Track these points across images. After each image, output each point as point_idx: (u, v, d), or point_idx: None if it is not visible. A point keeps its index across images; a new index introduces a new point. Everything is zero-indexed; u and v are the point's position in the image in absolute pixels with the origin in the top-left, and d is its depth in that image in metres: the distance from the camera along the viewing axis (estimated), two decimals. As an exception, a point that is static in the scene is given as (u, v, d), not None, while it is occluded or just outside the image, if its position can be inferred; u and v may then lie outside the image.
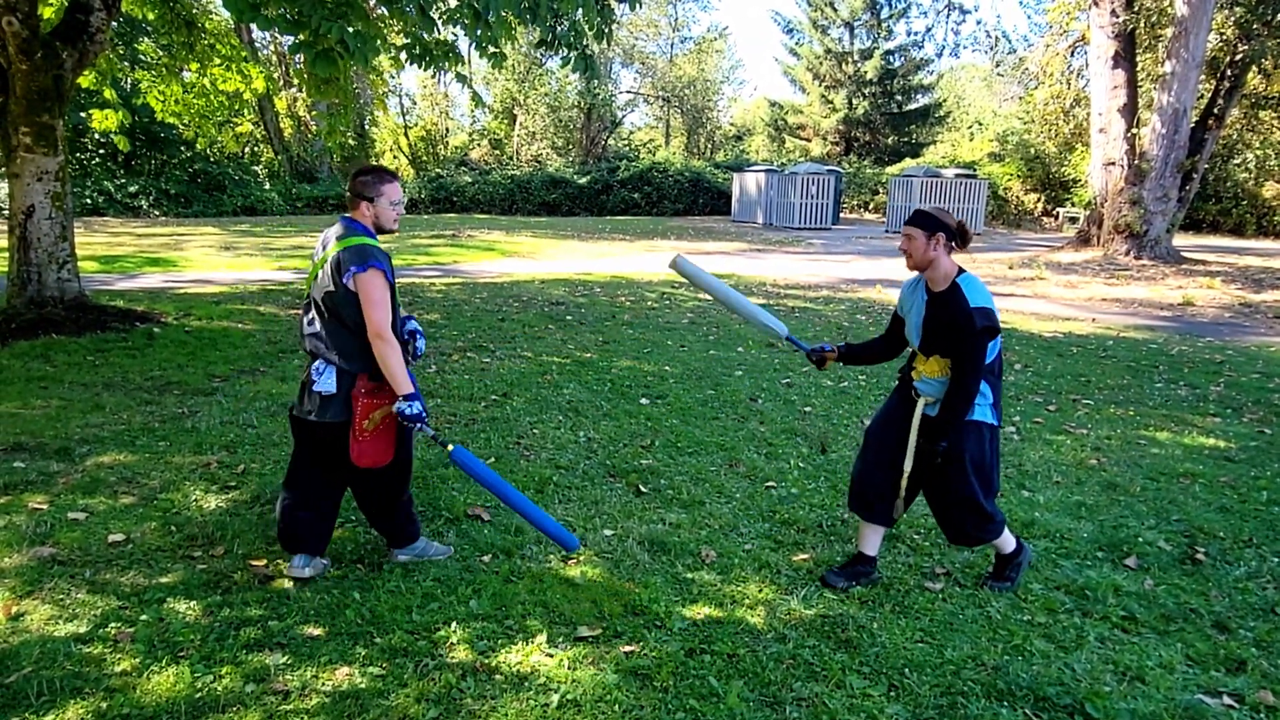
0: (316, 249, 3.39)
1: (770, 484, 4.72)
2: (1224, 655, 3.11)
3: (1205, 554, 3.96)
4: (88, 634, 3.01)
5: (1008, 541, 3.53)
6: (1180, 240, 20.52)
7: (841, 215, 30.42)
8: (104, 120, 10.58)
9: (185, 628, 3.06)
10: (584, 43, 6.87)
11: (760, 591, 3.49)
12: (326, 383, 3.29)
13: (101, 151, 25.04)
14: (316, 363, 3.33)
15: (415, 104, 42.12)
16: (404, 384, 3.21)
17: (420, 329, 3.57)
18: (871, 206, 35.32)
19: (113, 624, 3.07)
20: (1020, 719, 2.72)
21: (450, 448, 3.36)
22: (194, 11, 10.44)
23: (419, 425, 3.25)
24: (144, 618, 3.12)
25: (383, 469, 3.39)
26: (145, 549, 3.68)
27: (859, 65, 39.48)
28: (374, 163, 3.72)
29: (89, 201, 24.42)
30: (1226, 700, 2.84)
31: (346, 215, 3.36)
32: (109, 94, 10.27)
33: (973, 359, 3.18)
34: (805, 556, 3.83)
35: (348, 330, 3.25)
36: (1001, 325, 3.40)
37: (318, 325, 3.31)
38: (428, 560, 3.64)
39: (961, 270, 3.30)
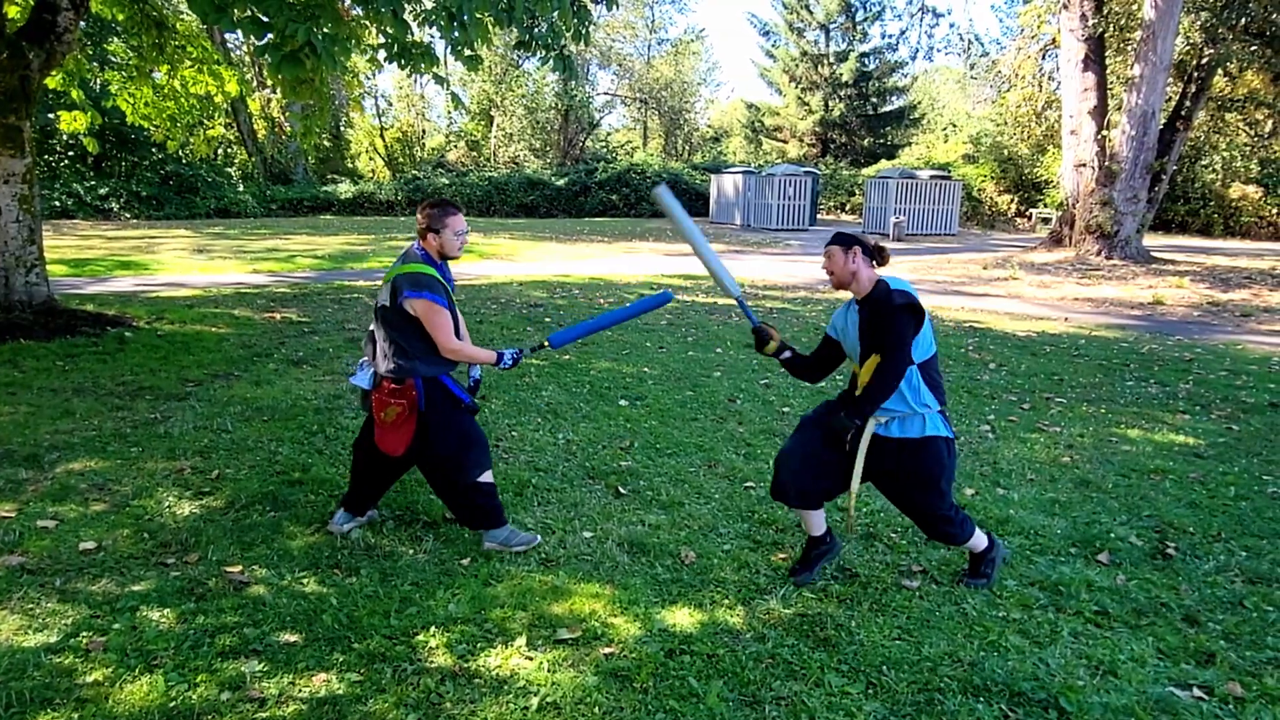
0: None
1: (749, 484, 4.74)
2: (1194, 648, 3.17)
3: (1175, 549, 4.02)
4: (58, 644, 2.96)
5: (979, 540, 3.57)
6: (1150, 240, 20.83)
7: (819, 216, 30.59)
8: (72, 122, 10.41)
9: (159, 636, 3.02)
10: (561, 44, 6.86)
11: (739, 591, 3.50)
12: (361, 378, 3.74)
13: (70, 153, 24.65)
14: (362, 359, 3.80)
15: (391, 105, 41.88)
16: (489, 356, 3.71)
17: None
18: (848, 208, 35.55)
19: (84, 633, 3.03)
20: (996, 714, 2.75)
21: (547, 343, 3.85)
22: (164, 12, 10.31)
23: (524, 355, 3.84)
24: (116, 626, 3.08)
25: (434, 458, 3.70)
26: (117, 556, 3.63)
27: (835, 67, 39.77)
28: (446, 200, 3.88)
29: (58, 204, 24.02)
30: (1196, 692, 2.89)
31: (416, 244, 3.71)
32: (77, 95, 10.11)
33: (895, 332, 3.21)
34: (784, 556, 3.84)
35: (391, 341, 3.61)
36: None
37: (372, 327, 3.73)
38: (405, 562, 3.62)
39: (882, 276, 3.41)
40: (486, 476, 3.77)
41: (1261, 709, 2.80)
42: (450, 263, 3.79)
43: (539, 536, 3.90)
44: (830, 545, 3.64)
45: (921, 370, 3.31)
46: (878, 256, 3.41)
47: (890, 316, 3.23)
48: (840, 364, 3.65)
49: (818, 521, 3.60)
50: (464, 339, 3.77)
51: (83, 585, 3.38)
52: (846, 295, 3.48)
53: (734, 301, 3.73)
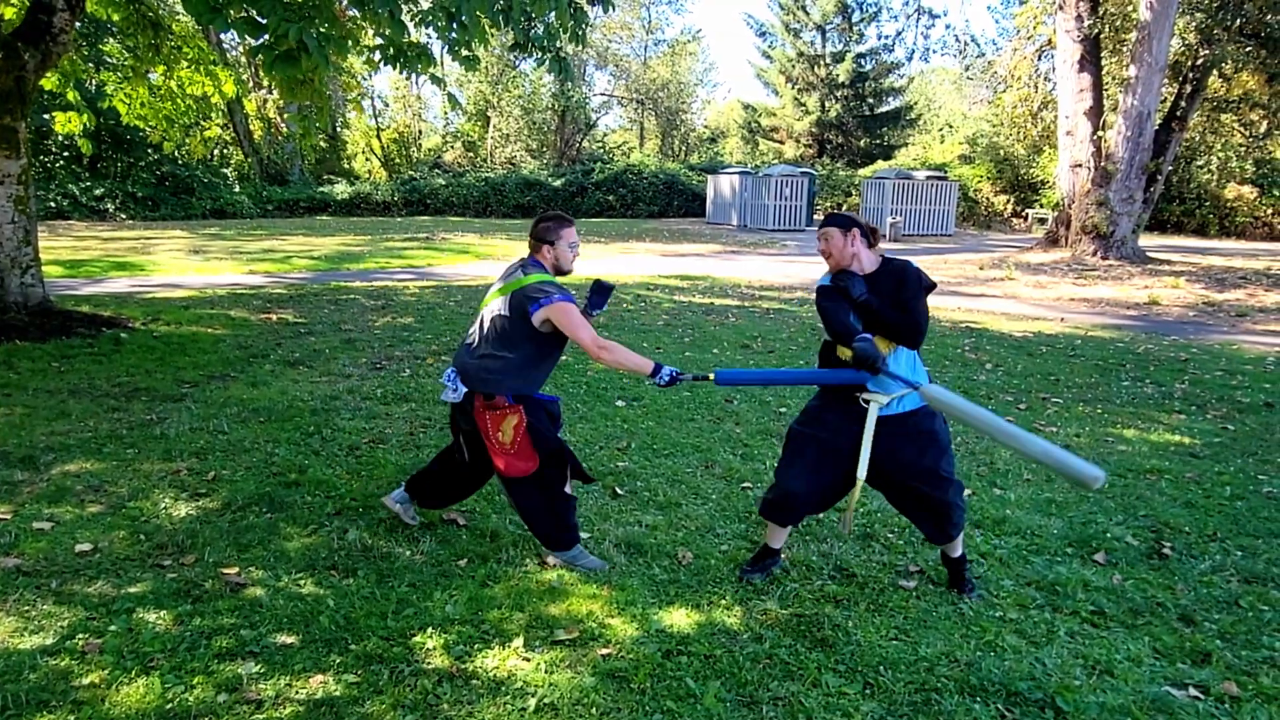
0: (499, 278, 3.67)
1: (746, 485, 4.74)
2: (1190, 648, 3.17)
3: (1171, 549, 4.03)
4: (54, 646, 2.95)
5: (960, 541, 3.54)
6: (1145, 241, 20.87)
7: (815, 217, 30.62)
8: (67, 123, 10.37)
9: (155, 638, 3.01)
10: (558, 45, 6.86)
11: (736, 592, 3.50)
12: (450, 393, 3.55)
13: (66, 154, 24.60)
14: (449, 370, 3.61)
15: (388, 106, 41.87)
16: (644, 365, 3.43)
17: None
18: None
19: (80, 635, 3.02)
20: (993, 714, 2.75)
21: (713, 376, 3.43)
22: (160, 13, 10.29)
23: (685, 379, 3.42)
24: (112, 628, 3.07)
25: (527, 479, 3.55)
26: (113, 558, 3.62)
27: (831, 68, 39.82)
28: (560, 213, 3.82)
29: (53, 205, 23.98)
30: (1192, 692, 2.89)
31: (530, 256, 3.64)
32: (72, 96, 10.08)
33: (920, 306, 3.29)
34: (782, 557, 3.84)
35: (502, 354, 3.49)
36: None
37: (472, 340, 3.61)
38: (402, 563, 3.62)
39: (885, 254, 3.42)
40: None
41: (1257, 708, 2.81)
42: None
43: (606, 564, 3.71)
44: (778, 560, 3.68)
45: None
46: (871, 236, 3.44)
47: (918, 289, 3.32)
48: None
49: (782, 537, 3.64)
50: (548, 369, 3.66)
51: (79, 587, 3.37)
52: None
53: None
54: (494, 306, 3.56)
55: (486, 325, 3.57)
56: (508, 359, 3.50)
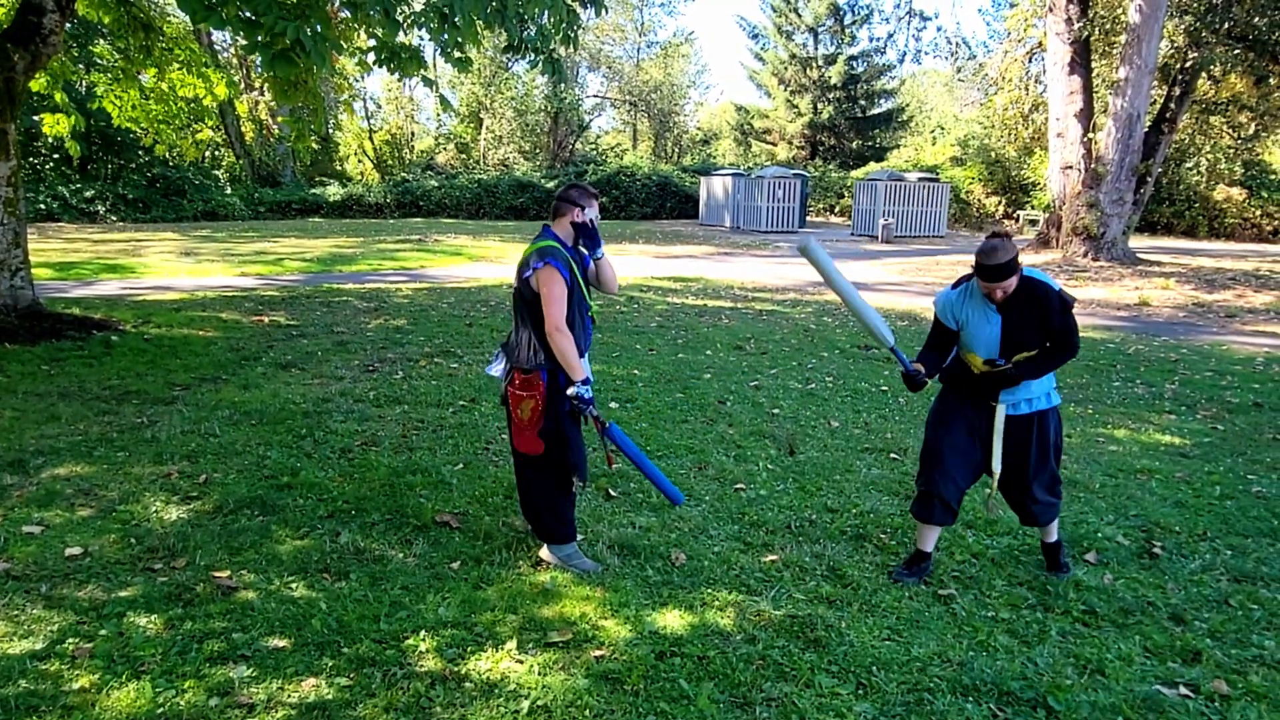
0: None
1: (739, 486, 4.74)
2: (1180, 646, 3.19)
3: (1162, 548, 4.05)
4: (44, 650, 2.94)
5: (1056, 526, 3.75)
6: (1136, 242, 20.98)
7: (808, 219, 30.67)
8: (55, 125, 10.30)
9: (146, 642, 3.00)
10: (550, 47, 6.86)
11: (730, 593, 3.51)
12: (494, 368, 3.70)
13: (56, 156, 24.48)
14: (498, 350, 3.73)
15: (380, 108, 41.79)
16: (578, 370, 3.46)
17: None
18: (837, 210, 35.66)
19: (70, 639, 3.01)
20: (985, 714, 2.76)
21: (607, 425, 3.58)
22: (151, 14, 10.25)
23: (587, 408, 3.48)
24: (103, 632, 3.06)
25: (537, 459, 3.60)
26: (104, 562, 3.60)
27: (823, 70, 39.91)
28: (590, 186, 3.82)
29: (43, 207, 23.86)
30: (1183, 690, 2.91)
31: (547, 226, 3.65)
32: (60, 98, 10.03)
33: (1071, 327, 3.42)
34: (774, 557, 3.85)
35: (525, 327, 3.54)
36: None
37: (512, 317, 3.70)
38: (394, 566, 3.61)
39: (1022, 266, 3.46)
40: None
41: (1247, 706, 2.83)
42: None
43: (600, 566, 3.72)
44: (929, 565, 3.75)
45: None
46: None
47: (1066, 315, 3.41)
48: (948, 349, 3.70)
49: (932, 538, 3.73)
50: (580, 334, 3.57)
51: (69, 591, 3.35)
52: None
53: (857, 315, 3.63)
54: (516, 280, 3.62)
55: (511, 302, 3.67)
56: (532, 331, 3.53)
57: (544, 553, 3.75)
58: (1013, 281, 3.34)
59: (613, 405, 6.29)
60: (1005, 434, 3.55)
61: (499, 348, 3.74)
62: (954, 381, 3.67)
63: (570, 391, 3.47)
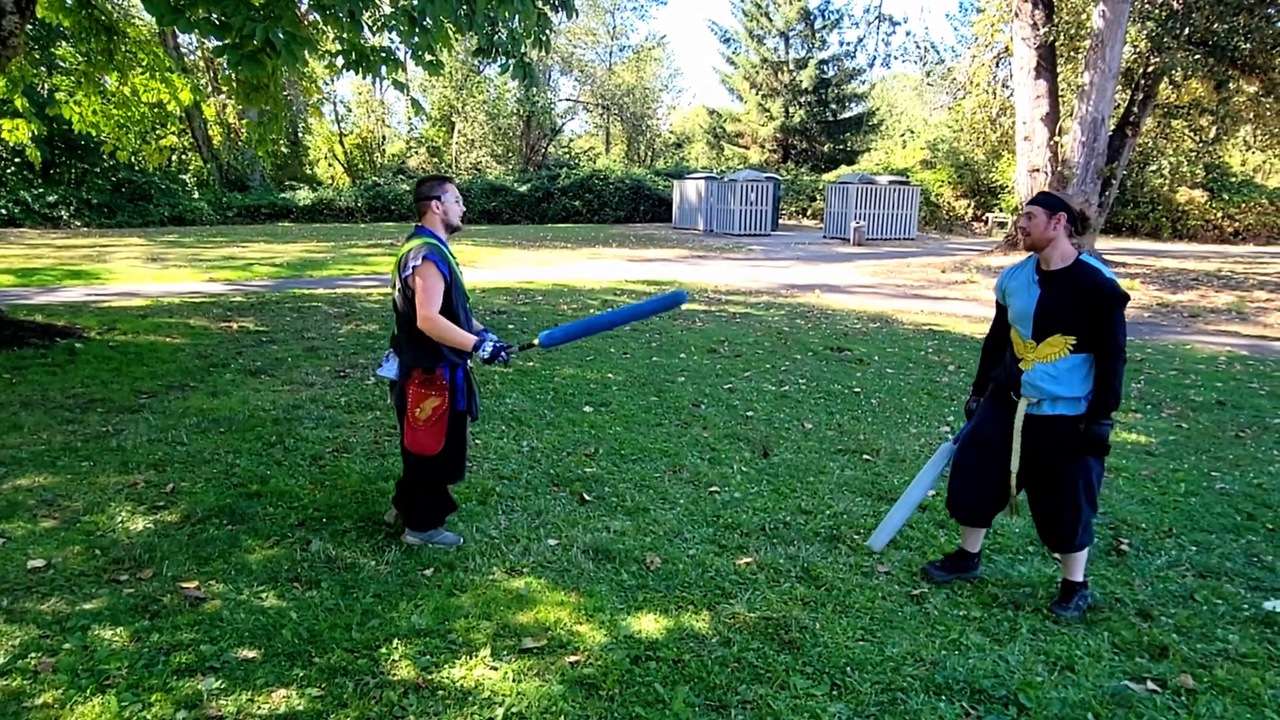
0: None
1: (714, 489, 4.75)
2: (1147, 642, 3.24)
3: (1129, 545, 4.11)
4: (5, 665, 2.87)
5: (1082, 564, 3.48)
6: (1101, 244, 21.34)
7: (780, 221, 30.84)
8: (14, 131, 10.09)
9: (111, 655, 2.94)
10: (522, 50, 6.85)
11: (704, 596, 3.51)
12: (388, 369, 3.74)
13: (17, 160, 24.04)
14: (389, 351, 3.78)
15: (350, 111, 41.45)
16: (466, 340, 3.49)
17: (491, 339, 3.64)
18: (810, 213, 35.93)
19: (33, 654, 2.94)
20: (958, 712, 2.78)
21: (537, 341, 3.58)
22: (114, 17, 10.08)
23: (505, 356, 3.50)
24: (67, 646, 2.99)
25: (428, 458, 3.68)
26: (67, 574, 3.53)
27: (794, 74, 40.20)
28: (439, 174, 4.10)
29: (4, 212, 23.41)
30: (1150, 685, 2.95)
31: (419, 223, 3.72)
32: (20, 103, 9.83)
33: (1117, 325, 3.16)
34: (749, 560, 3.86)
35: (412, 324, 3.55)
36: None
37: (394, 318, 3.71)
38: (367, 574, 3.58)
39: (1080, 250, 3.32)
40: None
41: (1212, 700, 2.88)
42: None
43: (462, 538, 3.92)
44: (975, 566, 3.71)
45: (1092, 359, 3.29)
46: (1080, 224, 3.29)
47: (1114, 310, 3.15)
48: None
49: (977, 539, 3.70)
50: (462, 325, 3.63)
51: (31, 604, 3.28)
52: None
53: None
54: (396, 281, 3.64)
55: (397, 301, 3.65)
56: (416, 332, 3.56)
57: (408, 537, 3.86)
58: (1039, 215, 3.23)
59: (587, 409, 6.28)
60: (1032, 436, 3.35)
61: (389, 350, 3.79)
62: (1004, 375, 3.51)
63: (479, 355, 3.47)
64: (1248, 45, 17.25)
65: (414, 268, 3.48)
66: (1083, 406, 3.28)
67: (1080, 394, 3.27)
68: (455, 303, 3.62)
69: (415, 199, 3.73)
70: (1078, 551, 3.43)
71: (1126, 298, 3.20)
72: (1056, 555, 3.63)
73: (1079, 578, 3.49)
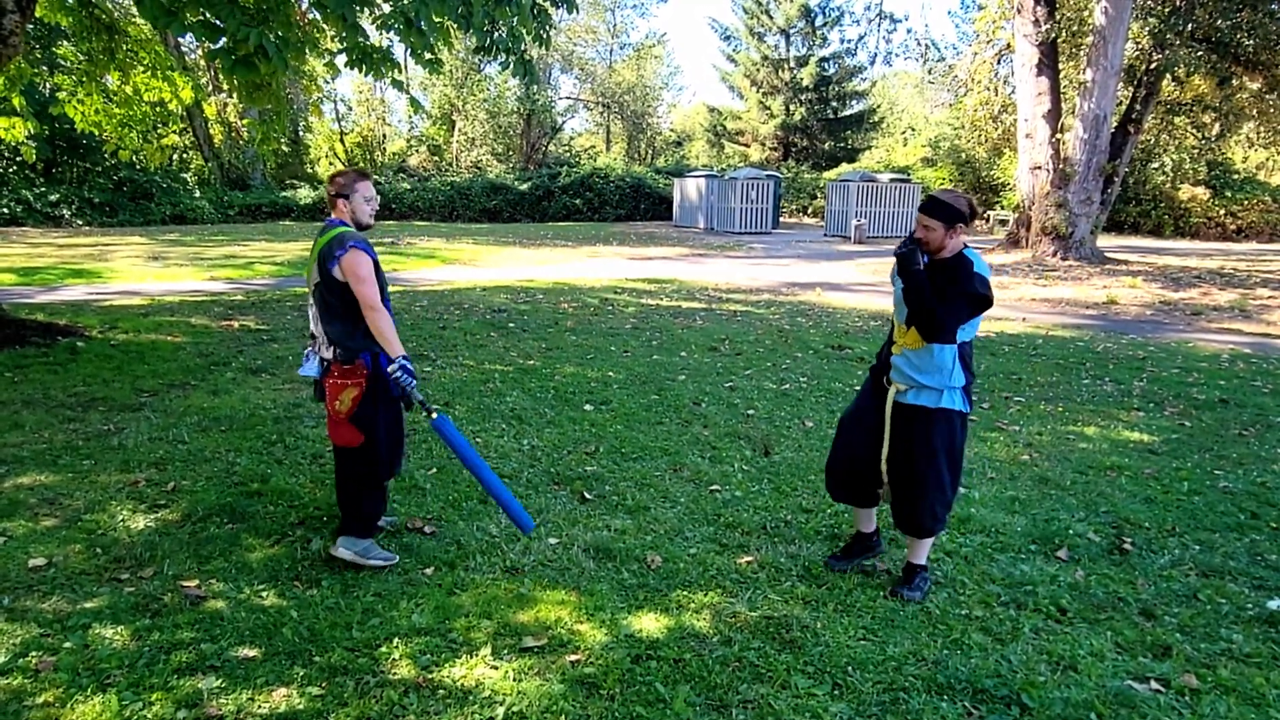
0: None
1: (714, 488, 4.74)
2: (1150, 641, 3.23)
3: (1132, 544, 4.10)
4: (6, 664, 2.87)
5: (927, 549, 3.60)
6: (1103, 241, 21.30)
7: (781, 219, 30.83)
8: (11, 130, 10.07)
9: (112, 654, 2.94)
10: (522, 48, 6.84)
11: (705, 595, 3.50)
12: (308, 367, 3.62)
13: (19, 159, 24.01)
14: (307, 349, 3.67)
15: (351, 110, 41.45)
16: (396, 347, 3.43)
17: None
18: (810, 211, 35.90)
19: (33, 653, 2.94)
20: (960, 712, 2.78)
21: (434, 416, 3.48)
22: (115, 16, 10.07)
23: (408, 385, 3.41)
24: (67, 645, 2.99)
25: (354, 451, 3.59)
26: (68, 573, 3.53)
27: (795, 72, 40.17)
28: (356, 167, 3.93)
29: (6, 211, 23.42)
30: (1153, 685, 2.94)
31: (330, 215, 3.65)
32: (18, 102, 9.81)
33: (966, 293, 3.20)
34: (750, 559, 3.85)
35: (335, 318, 3.50)
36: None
37: (310, 315, 3.63)
38: (367, 572, 3.57)
39: (967, 245, 3.38)
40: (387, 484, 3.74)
41: (1216, 700, 2.87)
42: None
43: (396, 557, 3.70)
44: (877, 545, 3.77)
45: (960, 350, 3.35)
46: (972, 219, 3.34)
47: (965, 286, 3.22)
48: None
49: (869, 519, 3.75)
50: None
51: (32, 603, 3.28)
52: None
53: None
54: (314, 276, 3.54)
55: (315, 297, 3.55)
56: (347, 324, 3.49)
57: (340, 551, 3.63)
58: (936, 227, 3.26)
59: (587, 407, 6.27)
60: (895, 422, 3.46)
61: (307, 347, 3.68)
62: (879, 362, 3.62)
63: (392, 369, 3.41)
64: (1251, 41, 17.20)
65: (339, 257, 3.41)
66: (941, 399, 3.37)
67: (939, 385, 3.35)
68: (382, 289, 3.56)
69: (330, 195, 3.63)
70: (927, 537, 3.53)
71: (987, 297, 3.23)
72: (904, 536, 3.72)
73: (922, 561, 3.60)
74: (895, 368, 3.45)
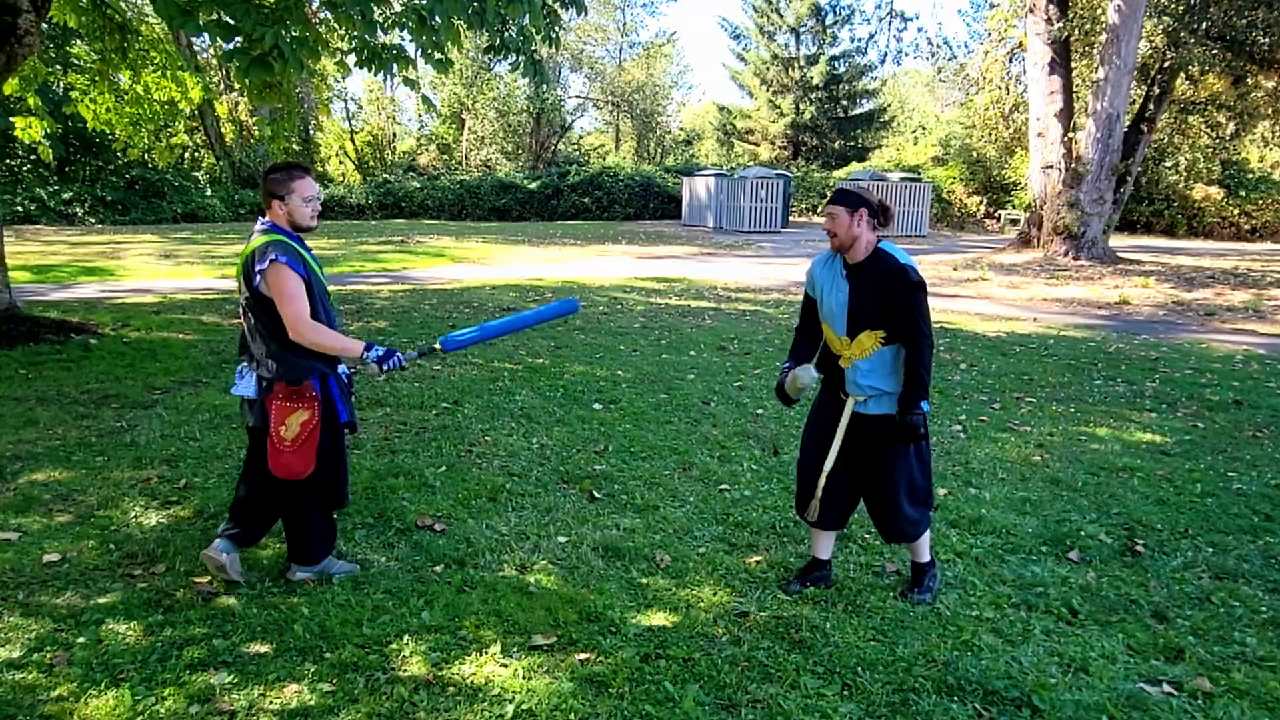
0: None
1: (723, 487, 4.74)
2: (1163, 644, 3.21)
3: (1144, 546, 4.08)
4: (21, 659, 2.89)
5: (926, 547, 3.55)
6: (1116, 241, 21.17)
7: (790, 219, 30.75)
8: (27, 129, 10.13)
9: (125, 649, 2.96)
10: (532, 47, 6.84)
11: (715, 595, 3.50)
12: (245, 386, 3.26)
13: (33, 158, 24.16)
14: (240, 365, 3.32)
15: (361, 108, 41.55)
16: (353, 347, 3.20)
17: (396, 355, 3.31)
18: (820, 210, 35.75)
19: (48, 648, 2.96)
20: (970, 713, 2.77)
21: (438, 345, 3.40)
22: (127, 16, 10.13)
23: (398, 360, 3.23)
24: (81, 640, 3.01)
25: (299, 483, 3.30)
26: (82, 568, 3.55)
27: (805, 71, 40.05)
28: (292, 162, 3.57)
29: (20, 209, 23.56)
30: (1166, 688, 2.92)
31: (263, 217, 3.29)
32: (33, 101, 9.87)
33: (919, 312, 3.19)
34: (759, 558, 3.85)
35: (265, 334, 3.20)
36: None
37: (243, 328, 3.30)
38: (377, 570, 3.58)
39: (882, 238, 3.33)
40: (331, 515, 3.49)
41: (1230, 703, 2.85)
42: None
43: (358, 567, 3.59)
44: (823, 578, 3.61)
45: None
46: (882, 216, 3.29)
47: (911, 298, 3.18)
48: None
49: (826, 545, 3.62)
50: (333, 328, 3.26)
51: (46, 598, 3.30)
52: None
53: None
54: (242, 289, 3.23)
55: (241, 312, 3.26)
56: (287, 342, 3.16)
57: (299, 574, 3.45)
58: (841, 215, 3.20)
59: (596, 406, 6.28)
60: (858, 435, 3.36)
61: (241, 364, 3.31)
62: (827, 373, 3.49)
63: (369, 370, 3.19)
64: (1266, 40, 17.06)
65: (260, 272, 3.07)
66: (892, 403, 3.32)
67: (895, 389, 3.30)
68: (317, 302, 3.21)
69: (263, 192, 3.25)
70: (917, 540, 3.49)
71: (923, 285, 3.21)
72: (894, 544, 3.66)
73: (926, 557, 3.55)
74: (848, 380, 3.35)
